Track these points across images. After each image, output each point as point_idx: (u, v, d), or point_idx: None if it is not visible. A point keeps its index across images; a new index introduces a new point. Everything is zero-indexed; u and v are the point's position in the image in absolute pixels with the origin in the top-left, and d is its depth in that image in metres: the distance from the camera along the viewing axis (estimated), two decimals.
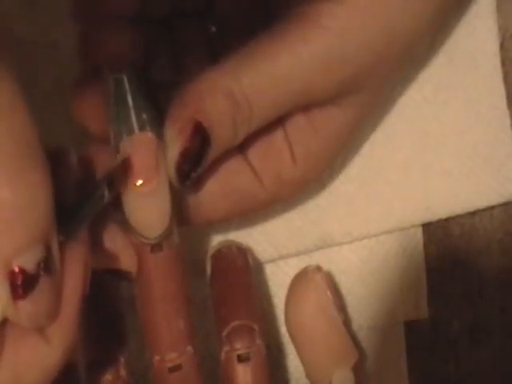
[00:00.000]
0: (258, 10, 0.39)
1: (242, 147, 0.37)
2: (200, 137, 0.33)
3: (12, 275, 0.26)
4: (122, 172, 0.32)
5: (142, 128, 0.33)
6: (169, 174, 0.33)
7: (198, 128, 0.33)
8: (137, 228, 0.34)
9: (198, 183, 0.37)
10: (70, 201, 0.30)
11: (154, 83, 0.37)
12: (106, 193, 0.31)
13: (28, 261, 0.26)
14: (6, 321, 0.28)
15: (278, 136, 0.38)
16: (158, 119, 0.33)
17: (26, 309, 0.27)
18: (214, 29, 0.39)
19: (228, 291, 0.38)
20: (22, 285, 0.26)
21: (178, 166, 0.33)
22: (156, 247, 0.34)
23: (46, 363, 0.29)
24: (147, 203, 0.33)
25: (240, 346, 0.36)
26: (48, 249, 0.27)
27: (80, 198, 0.31)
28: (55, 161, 0.28)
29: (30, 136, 0.26)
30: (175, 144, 0.33)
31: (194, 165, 0.33)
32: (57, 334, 0.29)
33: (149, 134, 0.33)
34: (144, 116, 0.33)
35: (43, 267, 0.27)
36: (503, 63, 0.44)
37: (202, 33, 0.39)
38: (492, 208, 0.44)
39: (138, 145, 0.33)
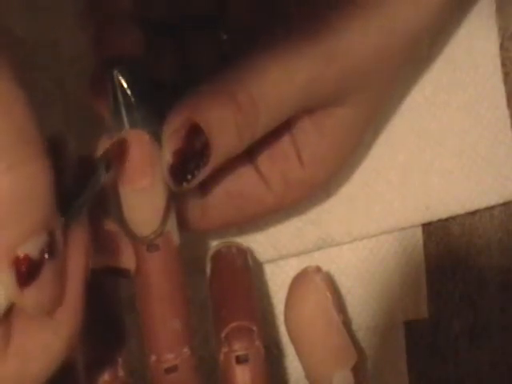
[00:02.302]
0: (270, 19, 0.39)
1: (248, 151, 0.37)
2: (198, 140, 0.33)
3: (17, 263, 0.26)
4: (119, 152, 0.32)
5: (133, 125, 0.33)
6: (163, 174, 0.33)
7: (194, 129, 0.33)
8: (128, 224, 0.34)
9: (203, 187, 0.37)
10: (68, 183, 0.30)
11: (163, 85, 0.37)
12: (104, 174, 0.31)
13: (32, 248, 0.26)
14: (12, 307, 0.28)
15: (284, 139, 0.38)
16: (155, 118, 0.33)
17: (32, 295, 0.27)
18: (225, 36, 0.39)
19: (227, 292, 0.38)
20: (27, 272, 0.26)
21: (172, 166, 0.33)
22: (152, 246, 0.34)
23: (53, 348, 0.29)
24: (138, 201, 0.33)
25: (238, 347, 0.36)
26: (51, 235, 0.27)
27: (78, 180, 0.31)
28: (52, 146, 0.28)
29: (29, 125, 0.26)
30: (169, 143, 0.33)
31: (192, 168, 0.33)
32: (63, 316, 0.29)
33: (140, 132, 0.33)
34: (137, 113, 0.33)
35: (47, 253, 0.27)
36: (503, 63, 0.44)
37: (214, 40, 0.39)
38: (492, 208, 0.44)
39: (130, 142, 0.33)
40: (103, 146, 0.34)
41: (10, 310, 0.28)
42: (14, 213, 0.26)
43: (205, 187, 0.37)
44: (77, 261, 0.29)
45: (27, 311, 0.28)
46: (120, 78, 0.33)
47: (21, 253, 0.26)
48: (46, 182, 0.26)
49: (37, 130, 0.26)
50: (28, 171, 0.26)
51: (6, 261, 0.26)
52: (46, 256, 0.27)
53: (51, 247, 0.27)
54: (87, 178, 0.31)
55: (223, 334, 0.37)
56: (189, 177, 0.33)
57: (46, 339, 0.29)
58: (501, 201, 0.44)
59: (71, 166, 0.32)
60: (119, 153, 0.32)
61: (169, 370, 0.35)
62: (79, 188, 0.30)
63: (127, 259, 0.34)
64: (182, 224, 0.36)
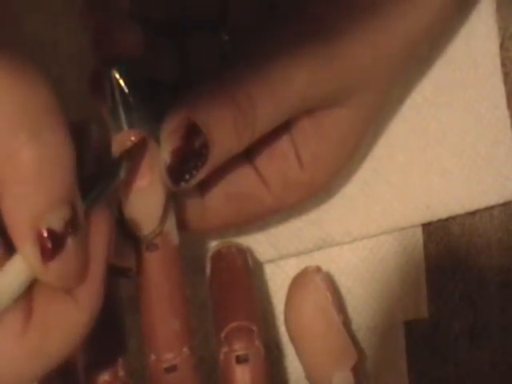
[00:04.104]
0: (270, 20, 0.39)
1: (247, 151, 0.37)
2: (197, 139, 0.33)
3: (41, 236, 0.27)
4: (138, 152, 0.33)
5: (131, 125, 0.33)
6: (161, 173, 0.33)
7: (193, 129, 0.33)
8: (127, 224, 0.34)
9: (202, 187, 0.37)
10: (90, 172, 0.31)
11: (162, 84, 0.37)
12: (123, 170, 0.32)
13: (55, 221, 0.27)
14: (34, 282, 0.28)
15: (283, 140, 0.38)
16: (154, 118, 0.33)
17: (56, 269, 0.27)
18: (226, 37, 0.39)
19: (227, 292, 0.38)
20: (51, 245, 0.27)
21: (170, 166, 0.33)
22: (151, 246, 0.34)
23: (75, 324, 0.29)
24: (137, 200, 0.33)
25: (238, 347, 0.36)
26: (73, 208, 0.27)
27: (99, 172, 0.31)
28: (77, 134, 0.29)
29: (48, 97, 0.27)
30: (166, 143, 0.33)
31: (190, 167, 0.33)
32: (85, 294, 0.29)
33: (138, 132, 0.33)
34: (135, 113, 0.33)
35: (70, 227, 0.27)
36: (503, 63, 0.44)
37: (214, 40, 0.39)
38: (492, 208, 0.44)
39: (128, 141, 0.33)
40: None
41: (33, 283, 0.28)
42: (38, 183, 0.26)
43: (204, 187, 0.37)
44: (100, 238, 0.29)
45: (50, 285, 0.28)
46: (118, 77, 0.33)
47: (44, 226, 0.27)
48: (68, 154, 0.27)
49: (57, 104, 0.27)
50: (49, 142, 0.26)
51: (31, 232, 0.27)
52: (70, 230, 0.27)
53: (74, 221, 0.27)
54: (107, 170, 0.31)
55: (223, 334, 0.37)
56: (187, 176, 0.33)
57: (68, 314, 0.29)
58: (501, 201, 0.44)
59: (93, 152, 0.32)
60: (139, 152, 0.33)
61: (168, 370, 0.35)
62: (99, 179, 0.31)
63: (129, 258, 0.34)
64: (182, 224, 0.36)
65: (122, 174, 0.32)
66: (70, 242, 0.27)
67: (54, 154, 0.26)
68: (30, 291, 0.28)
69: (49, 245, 0.27)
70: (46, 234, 0.27)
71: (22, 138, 0.26)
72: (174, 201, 0.35)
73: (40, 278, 0.28)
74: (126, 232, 0.34)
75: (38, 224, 0.27)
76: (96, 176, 0.31)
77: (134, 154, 0.33)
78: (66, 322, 0.29)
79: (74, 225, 0.27)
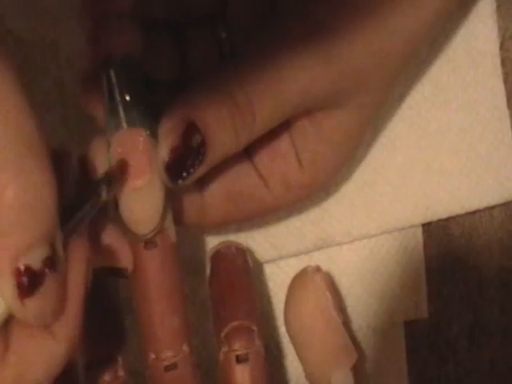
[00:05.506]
0: (269, 20, 0.39)
1: (247, 151, 0.37)
2: (195, 138, 0.33)
3: (18, 274, 0.26)
4: (120, 171, 0.33)
5: (130, 124, 0.33)
6: (159, 171, 0.33)
7: (191, 127, 0.33)
8: (126, 223, 0.34)
9: (202, 185, 0.37)
10: (69, 200, 0.30)
11: (161, 83, 0.37)
12: (104, 192, 0.31)
13: (34, 259, 0.27)
14: (11, 317, 0.28)
15: (283, 140, 0.38)
16: (152, 116, 0.33)
17: (32, 307, 0.27)
18: (224, 35, 0.39)
19: (227, 291, 0.38)
20: (29, 283, 0.27)
21: (168, 164, 0.33)
22: (150, 244, 0.34)
23: (51, 358, 0.29)
24: (137, 199, 0.33)
25: (238, 347, 0.36)
26: (53, 247, 0.27)
27: (79, 198, 0.31)
28: (55, 161, 0.29)
29: (34, 136, 0.26)
30: (165, 141, 0.33)
31: (188, 166, 0.33)
32: (61, 329, 0.29)
33: (138, 130, 0.33)
34: (134, 112, 0.33)
35: (49, 265, 0.27)
36: (503, 63, 0.44)
37: (213, 39, 0.39)
38: (492, 208, 0.44)
39: (127, 140, 0.33)
40: (97, 146, 0.34)
41: (10, 318, 0.28)
42: (18, 222, 0.26)
43: (204, 185, 0.37)
44: (77, 272, 0.29)
45: (26, 322, 0.28)
46: (117, 76, 0.33)
47: (23, 263, 0.26)
48: (51, 194, 0.27)
49: (43, 143, 0.27)
50: (33, 182, 0.26)
51: (8, 270, 0.26)
52: (48, 268, 0.27)
53: (53, 259, 0.27)
54: (87, 195, 0.31)
55: (223, 334, 0.37)
56: (184, 174, 0.33)
57: (45, 348, 0.29)
58: (501, 201, 0.44)
59: (73, 179, 0.32)
60: (120, 172, 0.33)
61: (168, 368, 0.35)
62: (79, 203, 0.30)
63: (125, 258, 0.34)
64: (182, 222, 0.37)
65: (103, 198, 0.31)
66: (47, 280, 0.27)
67: (37, 194, 0.26)
68: (6, 326, 0.28)
69: (26, 283, 0.27)
70: (23, 272, 0.26)
71: (6, 177, 0.26)
72: (172, 198, 0.35)
73: (16, 314, 0.28)
74: (124, 231, 0.34)
75: (16, 262, 0.26)
76: (76, 202, 0.30)
77: (115, 177, 0.32)
78: (43, 355, 0.29)
79: (52, 263, 0.27)
